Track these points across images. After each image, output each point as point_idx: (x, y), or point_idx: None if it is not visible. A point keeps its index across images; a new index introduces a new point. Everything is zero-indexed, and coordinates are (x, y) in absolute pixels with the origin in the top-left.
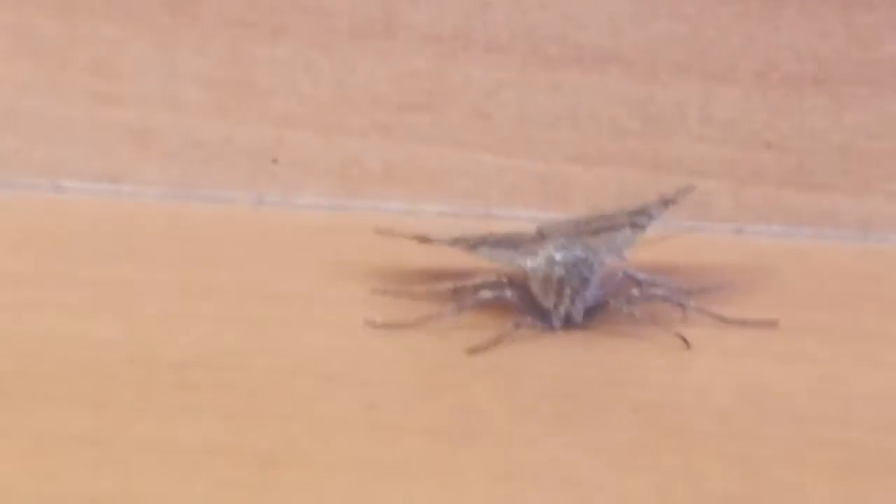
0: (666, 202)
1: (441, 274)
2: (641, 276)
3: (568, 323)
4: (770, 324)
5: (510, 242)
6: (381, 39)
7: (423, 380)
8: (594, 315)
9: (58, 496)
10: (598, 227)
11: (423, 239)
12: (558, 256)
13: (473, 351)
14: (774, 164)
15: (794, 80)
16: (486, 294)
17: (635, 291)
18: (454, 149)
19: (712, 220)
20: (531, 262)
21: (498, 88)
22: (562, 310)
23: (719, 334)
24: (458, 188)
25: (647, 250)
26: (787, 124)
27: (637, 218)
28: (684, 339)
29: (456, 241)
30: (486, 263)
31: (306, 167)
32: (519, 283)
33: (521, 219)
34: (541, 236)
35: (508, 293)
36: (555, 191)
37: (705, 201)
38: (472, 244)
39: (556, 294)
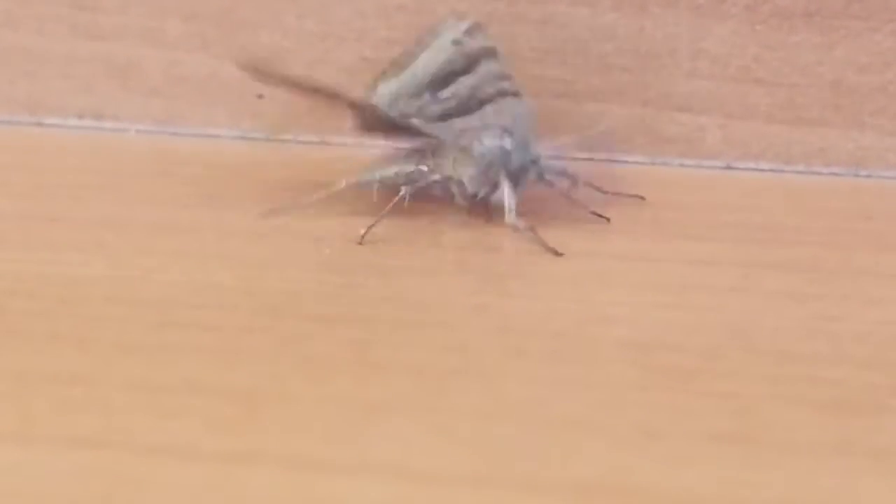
0: None
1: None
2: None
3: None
4: (639, 197)
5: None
6: None
7: (410, 318)
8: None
9: (39, 436)
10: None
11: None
12: (508, 144)
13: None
14: (765, 100)
15: (784, 13)
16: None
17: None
18: None
19: (702, 156)
20: (478, 148)
21: (486, 23)
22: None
23: (708, 272)
24: None
25: (629, 186)
26: (778, 59)
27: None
28: (602, 216)
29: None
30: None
31: (291, 103)
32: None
33: None
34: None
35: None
36: (544, 126)
37: (695, 137)
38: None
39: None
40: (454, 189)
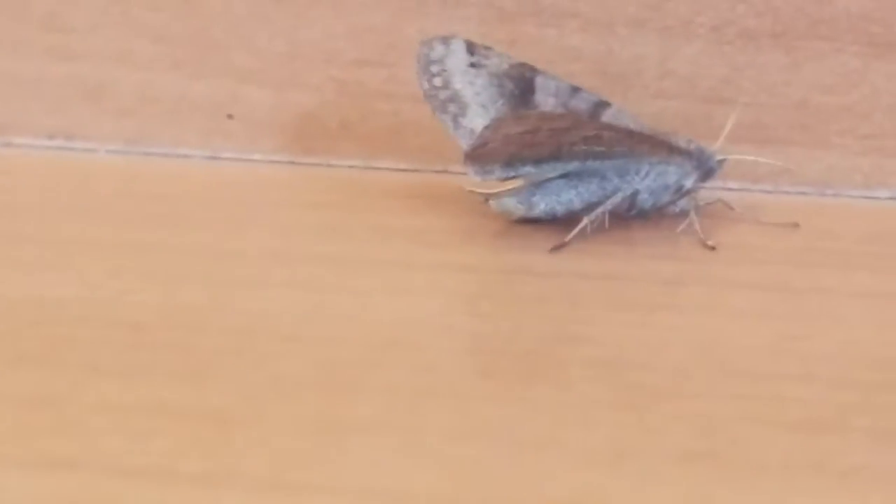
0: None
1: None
2: None
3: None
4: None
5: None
6: None
7: (380, 338)
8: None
9: (12, 457)
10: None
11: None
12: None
13: (556, 248)
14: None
15: (751, 34)
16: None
17: None
18: (410, 104)
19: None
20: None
21: None
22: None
23: (676, 291)
24: (414, 144)
25: None
26: (745, 79)
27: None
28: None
29: None
30: None
31: (261, 123)
32: None
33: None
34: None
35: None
36: None
37: None
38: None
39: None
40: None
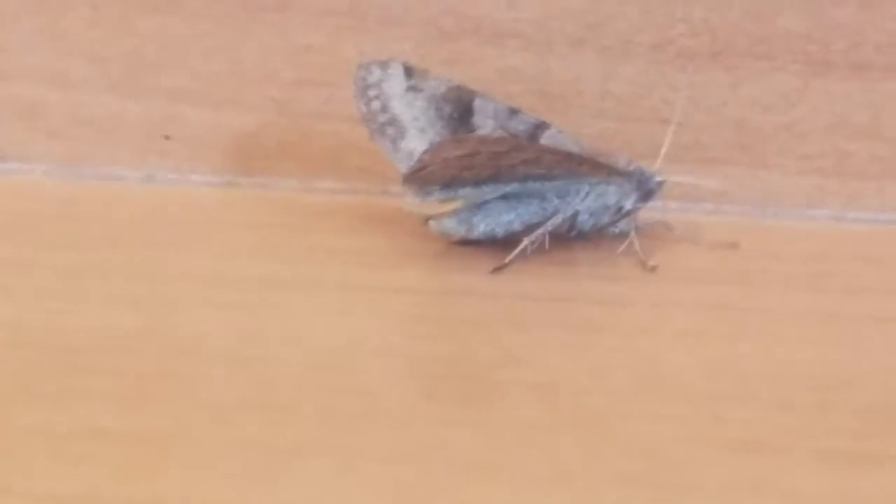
0: None
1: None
2: None
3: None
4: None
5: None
6: (274, 13)
7: (318, 360)
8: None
9: None
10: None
11: None
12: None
13: (497, 269)
14: (671, 139)
15: (689, 54)
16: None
17: None
18: (349, 125)
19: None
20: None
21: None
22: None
23: (615, 312)
24: (353, 165)
25: None
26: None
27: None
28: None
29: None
30: None
31: (199, 144)
32: None
33: None
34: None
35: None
36: None
37: None
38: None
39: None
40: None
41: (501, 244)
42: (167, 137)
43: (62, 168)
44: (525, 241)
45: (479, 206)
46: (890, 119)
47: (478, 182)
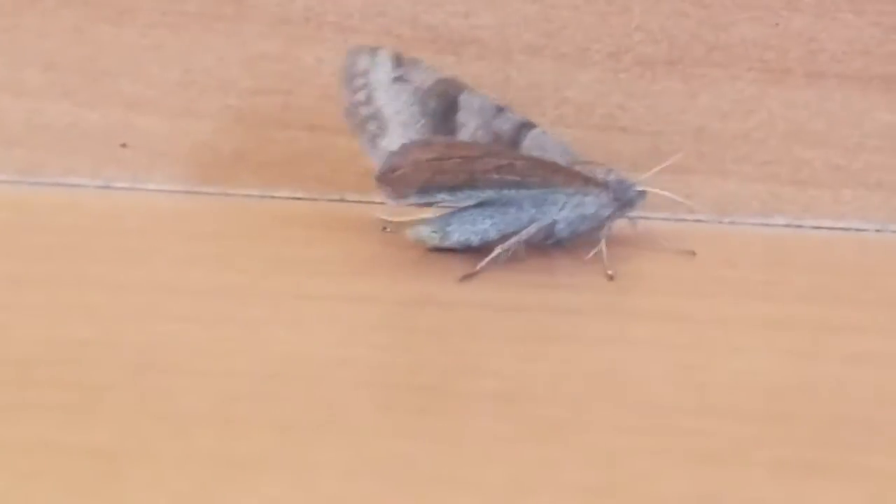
0: None
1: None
2: None
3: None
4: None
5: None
6: (230, 21)
7: (275, 371)
8: None
9: None
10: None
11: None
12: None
13: (466, 277)
14: (628, 147)
15: (647, 61)
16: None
17: None
18: (307, 133)
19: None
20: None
21: None
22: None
23: (575, 322)
24: (311, 173)
25: None
26: (641, 107)
27: None
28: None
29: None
30: None
31: (155, 152)
32: None
33: (375, 203)
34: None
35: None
36: None
37: None
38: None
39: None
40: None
41: (474, 252)
42: (124, 145)
43: (17, 177)
44: (498, 249)
45: (455, 213)
46: (846, 127)
47: (453, 188)
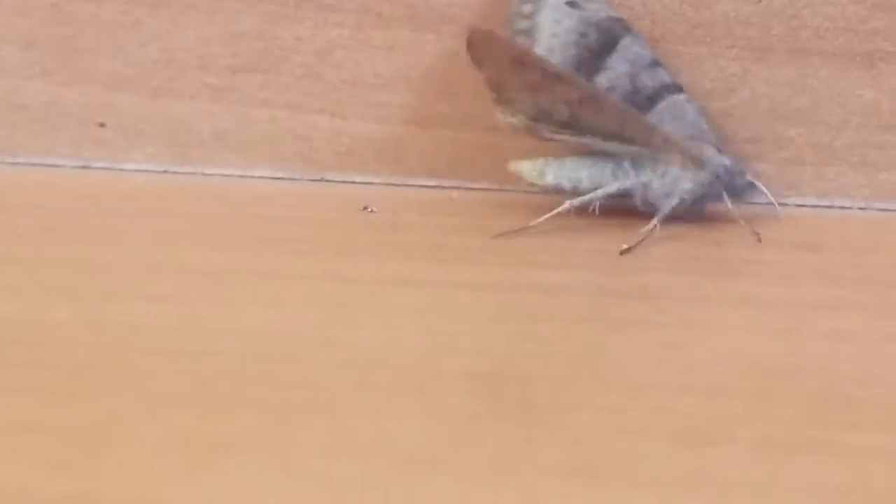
0: None
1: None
2: None
3: None
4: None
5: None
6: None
7: (254, 351)
8: None
9: None
10: None
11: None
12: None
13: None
14: None
15: None
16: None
17: None
18: (286, 112)
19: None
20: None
21: (330, 49)
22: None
23: (554, 301)
24: (290, 152)
25: (477, 213)
26: None
27: None
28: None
29: None
30: None
31: (134, 131)
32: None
33: (356, 182)
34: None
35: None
36: (390, 154)
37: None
38: None
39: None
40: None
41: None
42: (102, 125)
43: None
44: (567, 204)
45: (556, 158)
46: (830, 105)
47: (560, 125)
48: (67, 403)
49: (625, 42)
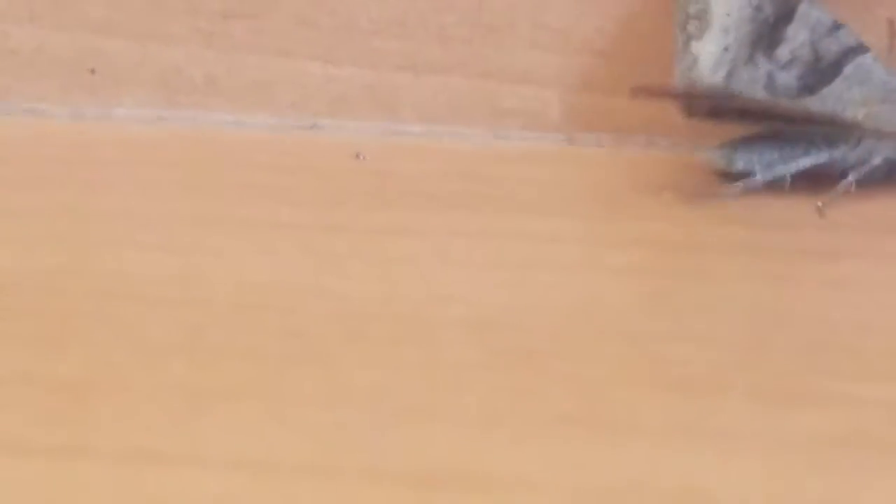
0: None
1: None
2: None
3: None
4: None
5: None
6: None
7: (246, 301)
8: None
9: None
10: None
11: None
12: None
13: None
14: (605, 72)
15: None
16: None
17: None
18: (279, 58)
19: (543, 129)
20: None
21: None
22: None
23: (550, 248)
24: (283, 99)
25: (472, 160)
26: (618, 29)
27: None
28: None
29: None
30: None
31: (124, 77)
32: None
33: (348, 130)
34: None
35: None
36: (383, 101)
37: (536, 110)
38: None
39: None
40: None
41: None
42: (92, 71)
43: None
44: (759, 177)
45: (743, 141)
46: None
47: (743, 114)
48: (59, 353)
49: (802, 8)
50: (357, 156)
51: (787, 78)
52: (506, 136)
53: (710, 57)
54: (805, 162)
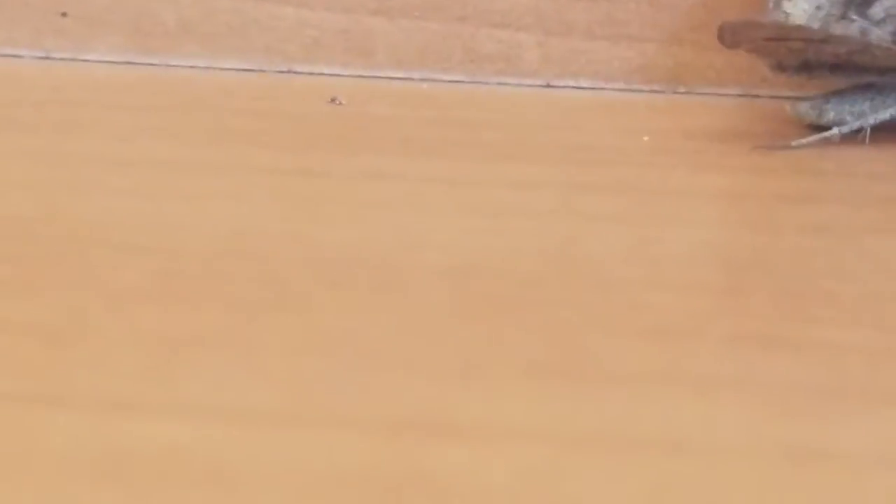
0: None
1: None
2: None
3: None
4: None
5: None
6: None
7: (219, 247)
8: None
9: None
10: None
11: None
12: None
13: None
14: (583, 16)
15: None
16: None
17: None
18: (252, 2)
19: (520, 74)
20: None
21: None
22: None
23: (526, 195)
24: (256, 43)
25: (448, 106)
26: None
27: None
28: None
29: None
30: None
31: (97, 21)
32: None
33: (323, 74)
34: None
35: None
36: (357, 45)
37: (513, 55)
38: None
39: None
40: None
41: None
42: (64, 14)
43: None
44: (834, 130)
45: (836, 92)
46: None
47: (833, 67)
48: (30, 300)
49: None
50: (332, 100)
51: (881, 34)
52: (483, 80)
53: (802, 14)
54: (885, 114)
